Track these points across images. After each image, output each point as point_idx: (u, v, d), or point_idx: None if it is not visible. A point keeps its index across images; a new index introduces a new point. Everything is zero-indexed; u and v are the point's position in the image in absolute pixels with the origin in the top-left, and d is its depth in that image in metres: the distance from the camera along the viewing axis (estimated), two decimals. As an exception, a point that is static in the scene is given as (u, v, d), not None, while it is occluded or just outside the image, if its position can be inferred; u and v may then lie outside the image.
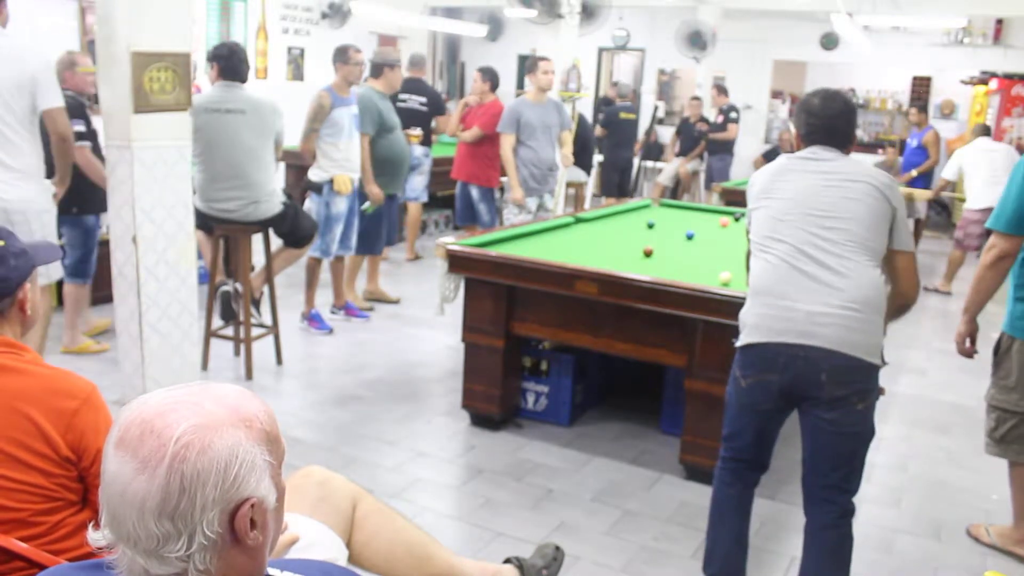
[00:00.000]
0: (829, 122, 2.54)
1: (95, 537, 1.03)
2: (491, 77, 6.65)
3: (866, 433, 2.44)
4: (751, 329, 2.46)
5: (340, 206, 5.18)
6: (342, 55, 5.09)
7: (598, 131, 9.53)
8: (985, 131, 7.78)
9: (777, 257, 2.43)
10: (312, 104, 5.05)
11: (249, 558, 1.04)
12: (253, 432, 1.03)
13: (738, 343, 2.51)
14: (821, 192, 2.44)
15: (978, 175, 7.28)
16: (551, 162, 5.91)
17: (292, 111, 5.31)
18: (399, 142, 5.71)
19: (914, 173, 8.95)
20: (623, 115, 9.48)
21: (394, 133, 5.62)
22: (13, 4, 4.02)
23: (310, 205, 5.19)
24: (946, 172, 7.71)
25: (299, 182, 6.10)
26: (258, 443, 1.03)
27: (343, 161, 5.12)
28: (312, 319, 5.31)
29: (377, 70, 5.55)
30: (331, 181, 5.11)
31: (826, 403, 2.37)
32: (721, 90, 10.14)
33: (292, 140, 5.11)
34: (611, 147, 9.44)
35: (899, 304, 2.54)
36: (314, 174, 5.16)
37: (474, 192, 6.55)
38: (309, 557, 1.66)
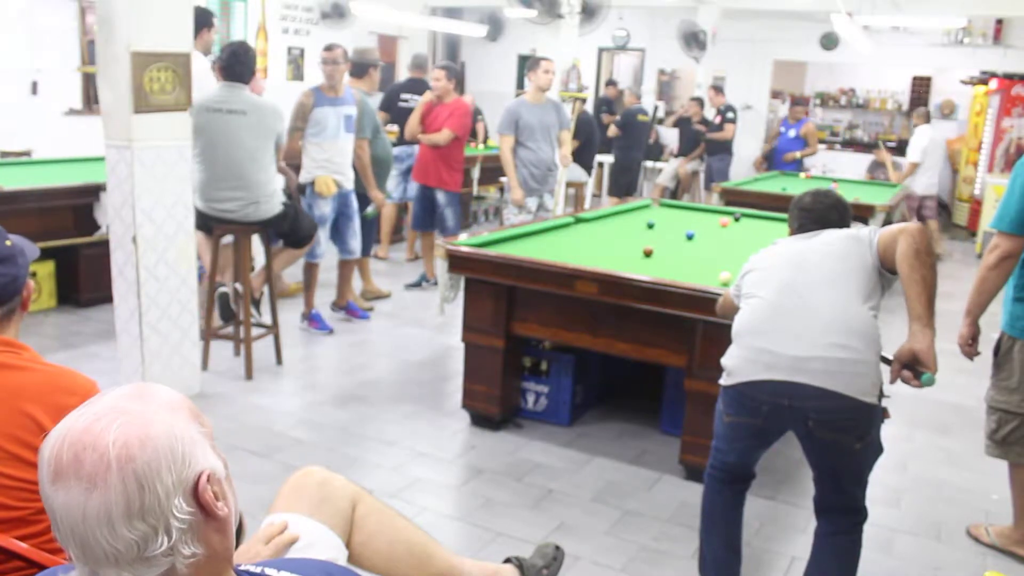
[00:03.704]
0: (821, 215, 2.62)
1: None
2: (455, 75, 6.22)
3: (871, 457, 2.40)
4: (732, 371, 2.42)
5: (323, 208, 5.11)
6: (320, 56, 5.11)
7: (612, 131, 9.50)
8: (927, 117, 9.10)
9: (760, 299, 2.42)
10: (295, 103, 5.05)
11: (221, 534, 1.03)
12: (178, 413, 1.03)
13: (721, 382, 2.49)
14: (808, 248, 2.49)
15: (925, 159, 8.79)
16: (550, 162, 5.90)
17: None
18: (387, 142, 5.75)
19: (798, 155, 9.64)
20: (640, 117, 9.47)
21: (382, 134, 5.65)
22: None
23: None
24: (911, 156, 8.84)
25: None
26: (187, 420, 1.03)
27: (325, 162, 5.07)
28: (312, 319, 5.30)
29: (361, 70, 5.53)
30: (312, 183, 5.06)
31: (818, 442, 2.35)
32: (718, 91, 10.15)
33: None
34: (624, 148, 9.40)
35: (907, 244, 2.27)
36: (301, 178, 5.14)
37: (440, 197, 6.20)
38: (309, 557, 1.65)
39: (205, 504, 1.00)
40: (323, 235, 5.18)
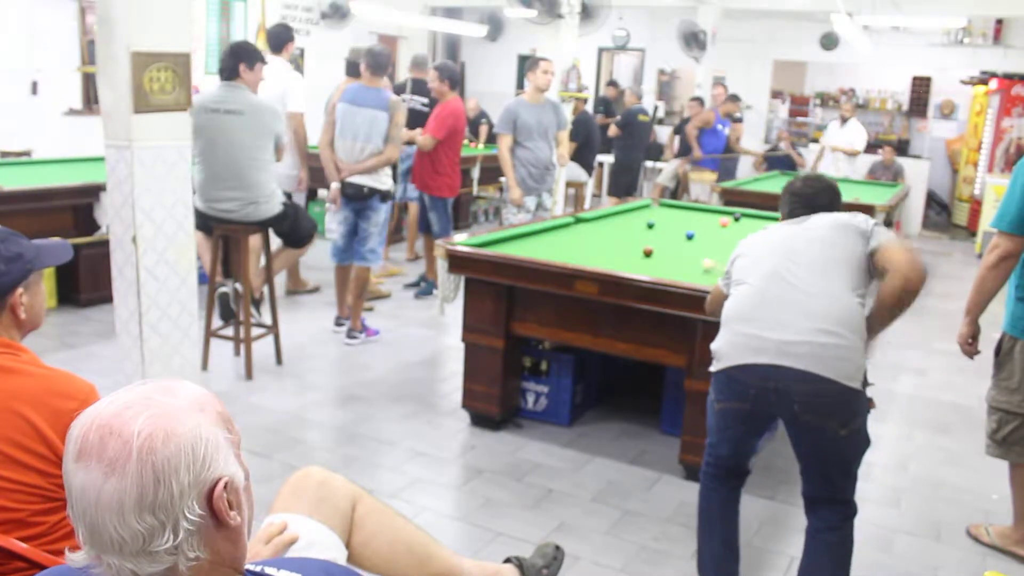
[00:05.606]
0: (810, 200, 2.63)
1: (76, 558, 1.00)
2: (448, 75, 5.99)
3: (857, 448, 2.41)
4: (722, 356, 2.45)
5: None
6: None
7: (612, 131, 9.50)
8: (853, 109, 10.05)
9: (749, 286, 2.45)
10: (404, 112, 5.04)
11: (232, 543, 1.03)
12: (208, 414, 1.04)
13: (711, 368, 2.52)
14: (796, 234, 2.50)
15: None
16: (548, 162, 5.89)
17: (292, 111, 5.32)
18: None
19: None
20: (641, 117, 9.46)
21: None
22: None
23: (347, 214, 5.07)
24: (856, 145, 9.55)
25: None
26: (216, 424, 1.04)
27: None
28: (367, 329, 5.22)
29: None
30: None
31: (804, 428, 2.37)
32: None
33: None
34: (625, 148, 9.36)
35: (900, 287, 2.30)
36: (381, 182, 5.06)
37: (426, 200, 6.18)
38: (309, 557, 1.65)
39: (218, 511, 1.00)
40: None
